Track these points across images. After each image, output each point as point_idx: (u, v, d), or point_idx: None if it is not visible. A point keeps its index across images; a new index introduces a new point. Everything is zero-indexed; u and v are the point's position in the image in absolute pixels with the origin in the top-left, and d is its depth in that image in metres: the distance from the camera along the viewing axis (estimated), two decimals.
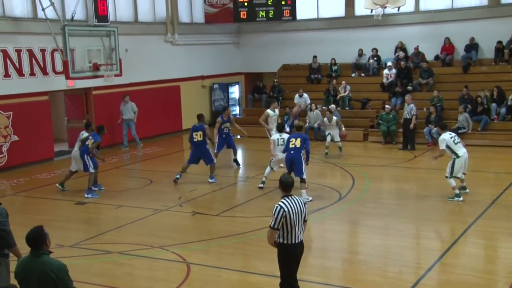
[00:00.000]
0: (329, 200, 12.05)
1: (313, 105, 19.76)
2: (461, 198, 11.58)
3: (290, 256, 6.34)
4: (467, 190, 11.95)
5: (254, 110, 22.52)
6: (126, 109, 18.45)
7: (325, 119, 16.87)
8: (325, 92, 21.07)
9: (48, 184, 14.29)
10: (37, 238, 5.15)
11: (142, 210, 11.69)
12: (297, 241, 6.29)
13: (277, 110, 16.30)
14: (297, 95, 20.80)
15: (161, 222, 10.97)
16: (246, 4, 22.67)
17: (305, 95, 20.61)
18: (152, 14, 20.84)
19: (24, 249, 5.55)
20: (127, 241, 9.87)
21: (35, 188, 13.93)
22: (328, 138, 16.61)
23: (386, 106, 18.91)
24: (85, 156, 12.80)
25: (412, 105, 17.47)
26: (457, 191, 11.62)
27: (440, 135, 11.86)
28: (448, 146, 11.49)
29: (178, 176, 13.78)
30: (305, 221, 6.44)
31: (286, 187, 6.34)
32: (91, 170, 12.86)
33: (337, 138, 16.63)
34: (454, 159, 11.52)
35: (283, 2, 22.62)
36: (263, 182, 12.97)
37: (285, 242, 6.26)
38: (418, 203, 11.95)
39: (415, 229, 10.48)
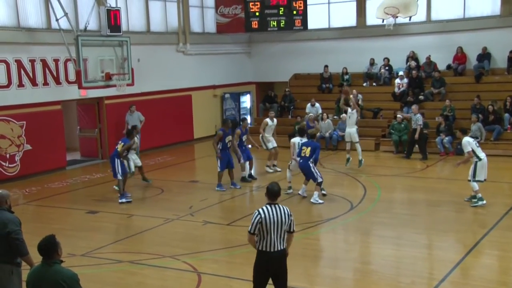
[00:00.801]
0: (340, 210, 11.99)
1: (324, 114, 19.76)
2: (484, 202, 11.71)
3: (262, 263, 6.33)
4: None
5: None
6: (133, 119, 18.24)
7: (343, 115, 16.76)
8: (336, 101, 21.02)
9: (60, 193, 14.37)
10: (49, 247, 5.17)
11: (153, 219, 11.71)
12: (272, 250, 6.26)
13: (275, 120, 16.50)
14: (309, 105, 20.78)
15: (172, 231, 10.97)
16: (257, 14, 22.77)
17: (317, 104, 20.60)
18: (164, 24, 20.99)
19: (36, 258, 5.57)
20: (138, 250, 9.89)
21: (47, 197, 14.00)
22: (348, 146, 16.05)
23: (398, 115, 18.85)
24: (116, 161, 13.04)
25: (418, 115, 17.51)
26: (479, 195, 11.72)
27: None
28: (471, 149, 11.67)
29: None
30: (290, 232, 6.39)
31: (270, 194, 6.37)
32: (119, 177, 13.06)
33: (356, 139, 15.82)
34: (476, 162, 11.72)
35: (294, 12, 22.68)
36: (289, 187, 13.27)
37: (260, 248, 6.31)
38: (430, 213, 11.85)
39: (427, 239, 10.39)
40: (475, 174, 11.69)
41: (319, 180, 12.48)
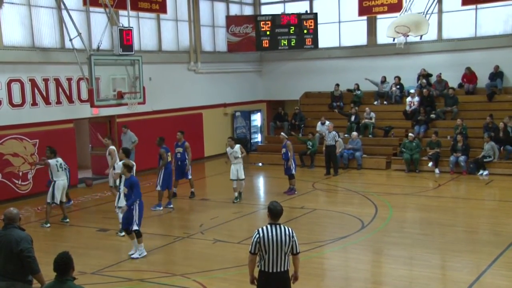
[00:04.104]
0: (351, 228, 11.90)
1: (330, 125, 19.62)
2: None
3: (262, 283, 6.25)
4: None
5: (276, 138, 22.49)
6: (126, 139, 18.15)
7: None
8: (348, 119, 20.95)
9: (71, 211, 14.39)
10: (66, 263, 5.22)
11: (163, 238, 11.70)
12: (271, 271, 6.17)
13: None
14: (319, 123, 20.78)
15: (182, 250, 10.95)
16: (268, 33, 22.93)
17: (327, 122, 20.56)
18: (175, 43, 21.18)
19: (47, 276, 5.57)
20: (148, 268, 9.85)
21: (58, 215, 14.01)
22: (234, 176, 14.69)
23: (410, 134, 18.78)
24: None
25: (334, 132, 18.33)
26: None
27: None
28: None
29: None
30: (294, 254, 6.26)
31: (272, 214, 6.31)
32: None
33: (242, 176, 14.72)
34: None
35: (305, 31, 22.82)
36: None
37: (261, 268, 6.24)
38: (443, 232, 11.71)
39: (441, 259, 10.26)
40: None
41: (134, 227, 10.32)
